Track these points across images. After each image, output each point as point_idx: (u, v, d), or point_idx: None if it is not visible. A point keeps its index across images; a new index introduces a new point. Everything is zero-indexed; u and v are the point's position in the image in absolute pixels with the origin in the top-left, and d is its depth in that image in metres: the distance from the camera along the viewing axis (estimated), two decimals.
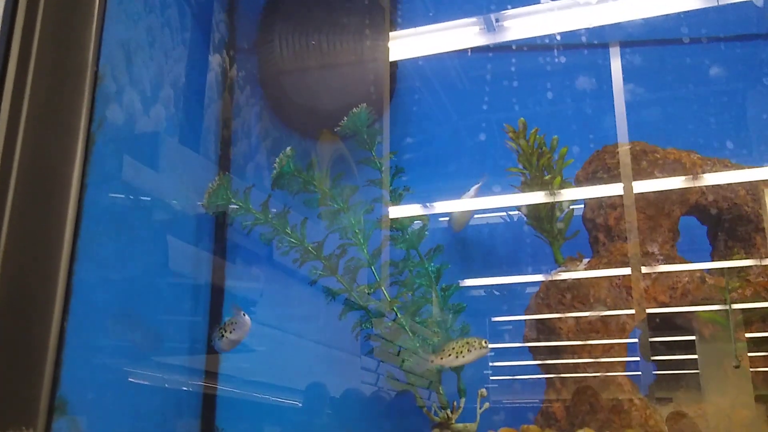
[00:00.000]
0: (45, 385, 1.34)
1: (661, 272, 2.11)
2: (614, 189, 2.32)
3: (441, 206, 2.76)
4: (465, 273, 2.71)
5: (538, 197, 2.39)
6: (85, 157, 1.53)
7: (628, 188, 2.27)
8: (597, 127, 2.64)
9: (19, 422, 1.27)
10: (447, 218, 2.73)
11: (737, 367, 2.02)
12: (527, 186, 2.37)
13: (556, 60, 2.81)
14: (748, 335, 2.04)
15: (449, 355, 2.16)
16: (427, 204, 2.72)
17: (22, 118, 1.53)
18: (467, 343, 2.14)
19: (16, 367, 1.35)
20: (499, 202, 2.66)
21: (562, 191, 2.38)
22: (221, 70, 2.87)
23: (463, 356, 2.13)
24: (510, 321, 2.55)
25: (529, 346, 2.27)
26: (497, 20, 2.69)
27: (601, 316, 2.14)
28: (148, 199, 2.39)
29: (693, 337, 2.11)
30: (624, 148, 2.31)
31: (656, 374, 2.12)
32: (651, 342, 2.12)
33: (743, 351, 2.02)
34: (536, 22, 2.68)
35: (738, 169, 2.24)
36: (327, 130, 2.69)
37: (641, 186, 2.26)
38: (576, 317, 2.12)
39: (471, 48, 2.85)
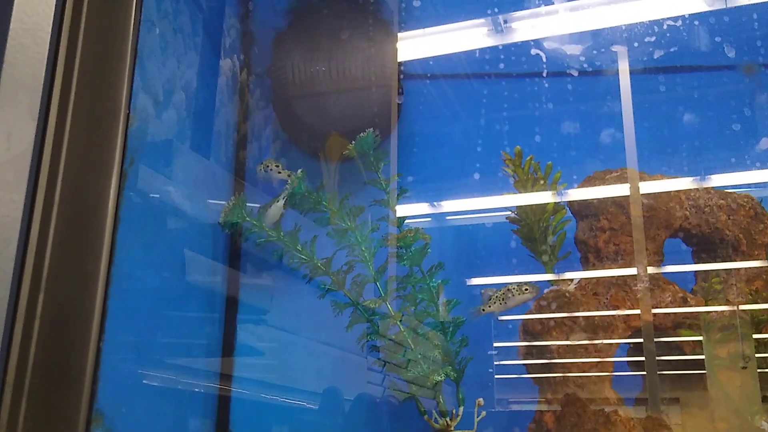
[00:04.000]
0: (84, 401, 1.48)
1: (645, 292, 2.26)
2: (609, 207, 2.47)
3: (444, 218, 2.91)
4: (472, 272, 2.83)
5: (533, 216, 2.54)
6: (118, 193, 1.68)
7: (636, 209, 2.39)
8: (594, 151, 2.76)
9: None
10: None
11: (744, 368, 2.16)
12: (522, 210, 2.52)
13: (561, 85, 2.90)
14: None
15: (495, 303, 2.34)
16: (435, 203, 2.87)
17: (62, 158, 1.66)
18: (508, 290, 2.33)
19: (58, 384, 1.50)
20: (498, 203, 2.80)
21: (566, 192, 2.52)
22: (232, 75, 2.97)
23: (505, 303, 2.32)
24: (515, 321, 2.66)
25: (524, 362, 2.42)
26: (505, 21, 2.80)
27: (593, 333, 2.29)
28: (167, 210, 2.52)
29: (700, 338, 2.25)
30: (633, 173, 2.44)
31: (662, 374, 2.25)
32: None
33: (751, 353, 2.15)
34: (544, 24, 2.78)
35: (720, 195, 2.39)
36: (336, 133, 2.82)
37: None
38: (566, 338, 2.27)
39: (475, 74, 2.97)
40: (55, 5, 1.65)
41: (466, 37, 2.90)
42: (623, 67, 2.68)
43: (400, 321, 2.50)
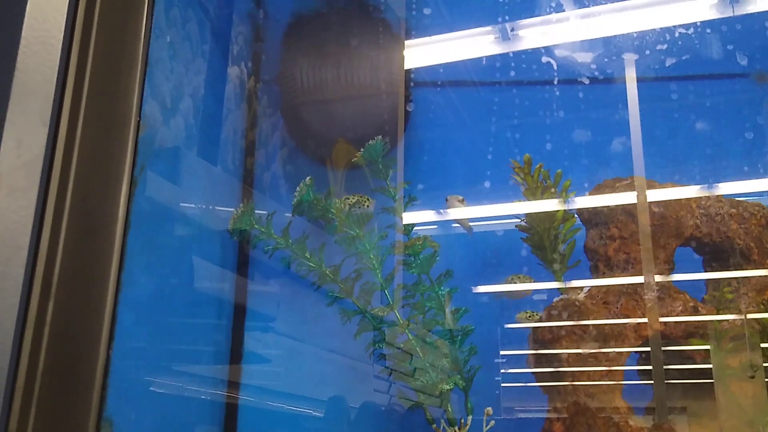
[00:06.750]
0: (93, 407, 1.48)
1: (654, 301, 2.25)
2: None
3: (453, 225, 2.92)
4: (481, 280, 2.83)
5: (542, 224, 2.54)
6: (128, 199, 1.68)
7: (644, 217, 2.39)
8: (604, 159, 2.76)
9: None
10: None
11: (752, 377, 2.14)
12: (532, 218, 2.52)
13: (572, 93, 2.90)
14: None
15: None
16: (443, 211, 2.87)
17: (72, 165, 1.66)
18: (517, 276, 2.45)
19: (67, 390, 1.49)
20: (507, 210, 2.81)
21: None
22: (240, 82, 2.98)
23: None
24: (523, 330, 2.66)
25: (534, 371, 2.41)
26: (512, 30, 2.80)
27: (603, 342, 2.28)
28: (176, 217, 2.52)
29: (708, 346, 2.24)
30: (640, 181, 2.44)
31: (669, 383, 2.24)
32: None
33: (760, 362, 2.14)
34: (555, 32, 2.79)
35: (731, 204, 2.38)
36: (342, 140, 2.83)
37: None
38: (576, 346, 2.26)
39: (484, 82, 2.97)
40: (67, 12, 1.65)
41: (474, 44, 2.91)
42: (630, 75, 2.68)
43: (408, 329, 2.49)
